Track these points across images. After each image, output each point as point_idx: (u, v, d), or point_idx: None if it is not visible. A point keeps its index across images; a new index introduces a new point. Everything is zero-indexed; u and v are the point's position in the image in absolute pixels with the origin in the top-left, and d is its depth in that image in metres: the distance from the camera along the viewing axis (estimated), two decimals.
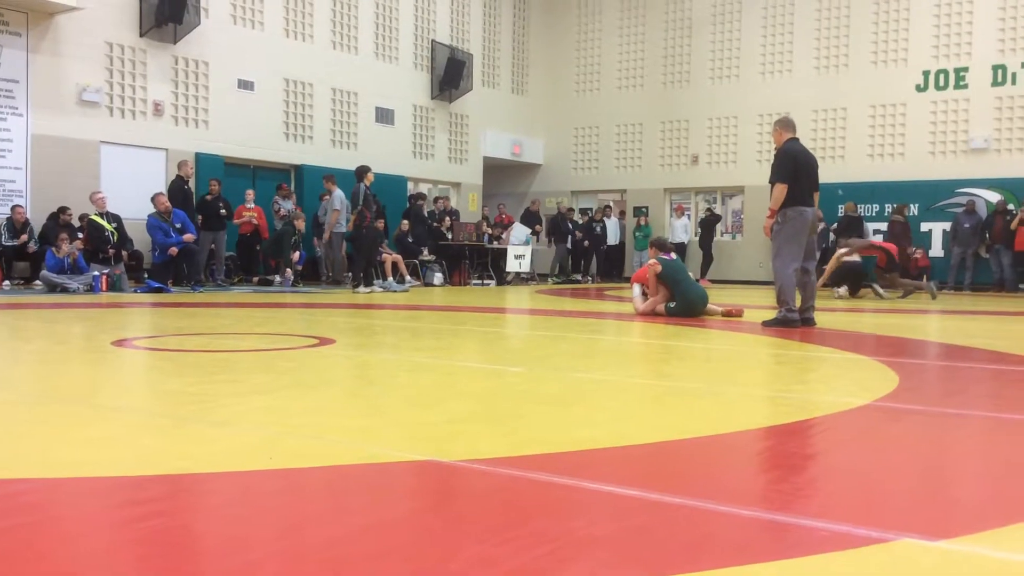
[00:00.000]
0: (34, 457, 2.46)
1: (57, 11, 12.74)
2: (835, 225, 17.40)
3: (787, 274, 7.15)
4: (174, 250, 12.02)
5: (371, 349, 5.54)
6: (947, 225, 16.98)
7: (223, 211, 13.49)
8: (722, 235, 20.09)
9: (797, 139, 7.44)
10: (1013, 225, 15.74)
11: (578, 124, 21.64)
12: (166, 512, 1.95)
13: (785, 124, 7.47)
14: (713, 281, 18.02)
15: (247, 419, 3.02)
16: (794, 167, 7.16)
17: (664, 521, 1.92)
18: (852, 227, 16.90)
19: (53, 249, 11.40)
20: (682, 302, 8.06)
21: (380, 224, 12.92)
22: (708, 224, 19.28)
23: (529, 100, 21.59)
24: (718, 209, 20.21)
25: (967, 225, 16.45)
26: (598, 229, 19.71)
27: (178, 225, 12.25)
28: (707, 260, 18.90)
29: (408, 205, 17.22)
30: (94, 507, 2.05)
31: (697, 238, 19.42)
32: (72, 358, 4.87)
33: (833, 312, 9.71)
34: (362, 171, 12.55)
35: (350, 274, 13.80)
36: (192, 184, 13.64)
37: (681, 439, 2.81)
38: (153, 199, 12.39)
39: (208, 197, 13.47)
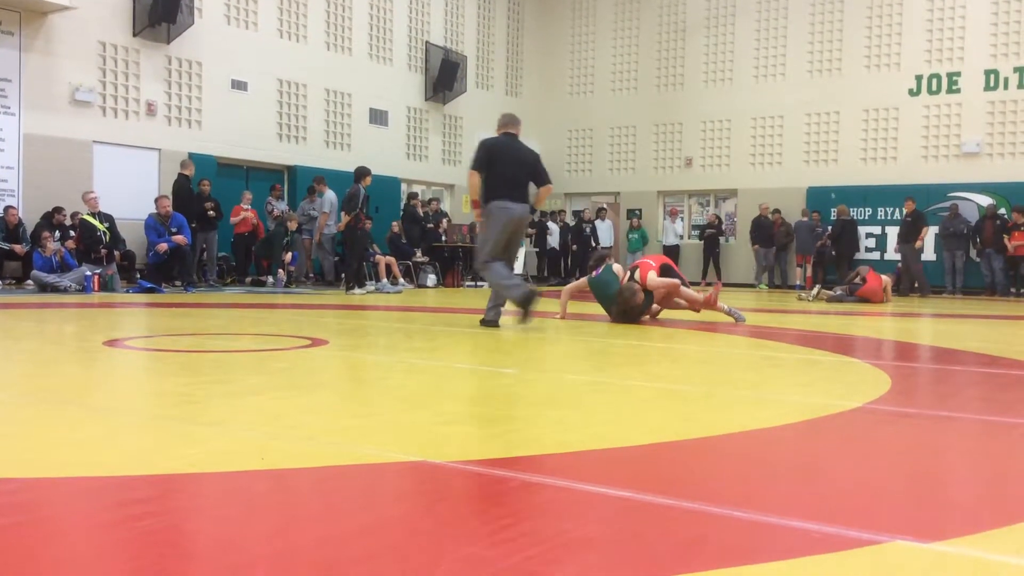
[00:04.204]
0: (24, 457, 2.45)
1: (50, 10, 12.71)
2: (829, 229, 17.44)
3: (490, 269, 6.88)
4: (163, 246, 12.02)
5: (364, 350, 5.53)
6: (938, 229, 17.04)
7: (211, 212, 13.42)
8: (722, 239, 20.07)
9: (512, 135, 7.12)
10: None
11: (572, 126, 21.66)
12: (157, 512, 1.94)
13: (500, 120, 7.20)
14: (709, 284, 18.04)
15: (239, 420, 3.01)
16: (487, 158, 6.84)
17: (656, 523, 1.92)
18: (847, 231, 16.94)
19: (40, 249, 11.39)
20: (613, 314, 7.87)
21: (367, 225, 12.92)
22: (710, 235, 19.29)
23: (523, 102, 21.60)
24: (711, 212, 20.22)
25: (951, 228, 16.51)
26: (587, 231, 19.76)
27: (174, 229, 12.26)
28: (714, 265, 19.00)
29: (403, 206, 17.24)
30: (85, 507, 2.04)
31: (700, 243, 19.53)
32: (63, 358, 4.85)
33: (825, 315, 9.74)
34: (361, 172, 12.47)
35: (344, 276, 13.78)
36: None
37: (673, 441, 2.81)
38: (156, 200, 12.43)
39: (204, 203, 13.41)
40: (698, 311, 8.09)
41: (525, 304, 6.67)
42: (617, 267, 8.13)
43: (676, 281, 7.82)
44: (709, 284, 7.83)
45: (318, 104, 16.84)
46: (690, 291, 7.98)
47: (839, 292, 13.12)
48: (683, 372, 4.76)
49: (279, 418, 3.05)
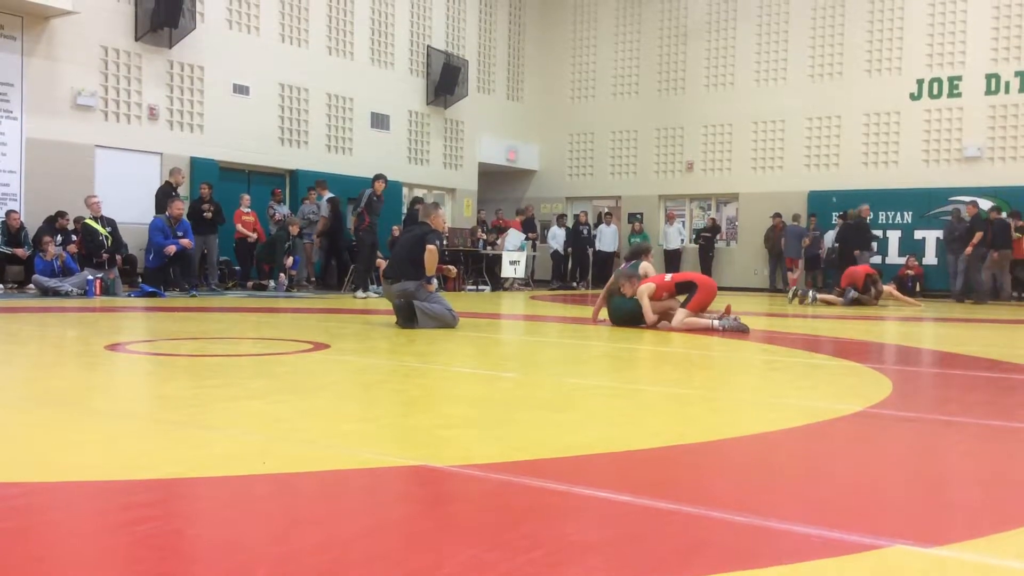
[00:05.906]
0: (27, 460, 2.45)
1: (52, 15, 12.73)
2: (836, 229, 17.26)
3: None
4: (171, 248, 11.98)
5: (365, 354, 5.54)
6: (940, 233, 17.00)
7: (207, 215, 13.35)
8: (717, 243, 20.02)
9: (420, 223, 7.81)
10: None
11: (573, 130, 21.67)
12: (159, 516, 1.95)
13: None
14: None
15: (241, 424, 3.01)
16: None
17: (656, 527, 1.92)
18: (849, 233, 16.75)
19: (41, 254, 11.41)
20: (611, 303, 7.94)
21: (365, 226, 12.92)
22: (707, 237, 19.28)
23: (524, 106, 21.61)
24: (710, 216, 20.21)
25: (956, 232, 16.44)
26: (584, 232, 19.75)
27: (180, 233, 12.26)
28: (705, 269, 18.93)
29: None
30: (88, 511, 2.04)
31: (697, 246, 19.50)
32: (66, 362, 4.85)
33: (827, 320, 9.74)
34: (374, 178, 12.85)
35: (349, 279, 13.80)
36: (184, 191, 13.59)
37: (674, 445, 2.82)
38: (171, 203, 12.38)
39: (202, 205, 13.39)
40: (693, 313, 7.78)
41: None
42: (645, 265, 8.14)
43: (672, 304, 7.67)
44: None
45: (319, 108, 16.85)
46: (685, 313, 7.60)
47: (816, 294, 13.33)
48: (684, 376, 4.76)
49: (280, 422, 3.05)
